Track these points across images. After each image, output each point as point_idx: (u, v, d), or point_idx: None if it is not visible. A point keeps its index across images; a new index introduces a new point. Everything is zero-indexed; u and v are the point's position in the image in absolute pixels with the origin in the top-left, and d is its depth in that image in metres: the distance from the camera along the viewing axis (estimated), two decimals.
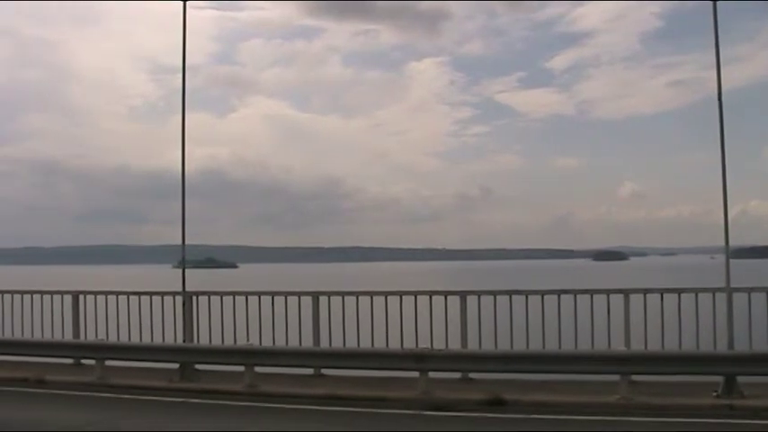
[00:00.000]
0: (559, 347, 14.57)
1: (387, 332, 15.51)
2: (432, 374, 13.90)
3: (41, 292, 18.60)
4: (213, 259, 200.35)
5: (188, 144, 17.36)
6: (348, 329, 15.82)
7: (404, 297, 15.81)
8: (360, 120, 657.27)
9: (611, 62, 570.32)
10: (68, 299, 18.29)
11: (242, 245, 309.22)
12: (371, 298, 15.93)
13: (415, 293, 15.92)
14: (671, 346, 14.26)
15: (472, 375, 14.91)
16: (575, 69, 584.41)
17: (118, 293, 18.11)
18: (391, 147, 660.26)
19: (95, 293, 18.35)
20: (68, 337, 17.76)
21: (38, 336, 17.76)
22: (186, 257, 18.06)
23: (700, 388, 13.19)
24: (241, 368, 14.96)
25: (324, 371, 15.68)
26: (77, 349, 17.22)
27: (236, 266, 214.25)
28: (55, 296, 18.37)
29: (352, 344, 15.54)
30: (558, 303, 15.05)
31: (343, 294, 16.32)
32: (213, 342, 16.43)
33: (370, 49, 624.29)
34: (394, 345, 15.20)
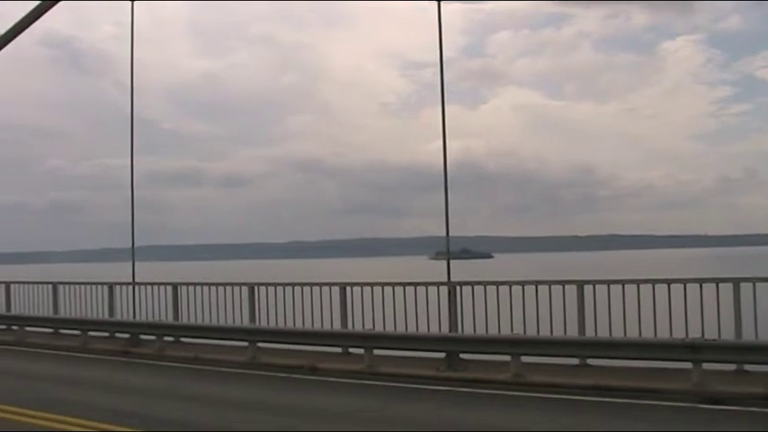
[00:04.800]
0: None
1: (654, 321, 15.01)
2: (704, 366, 13.30)
3: (311, 284, 19.45)
4: (468, 250, 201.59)
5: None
6: (614, 318, 15.43)
7: (672, 285, 15.23)
8: (613, 105, 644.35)
9: None
10: (336, 290, 18.94)
11: (496, 235, 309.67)
12: (638, 286, 15.44)
13: (684, 281, 15.25)
14: None
15: (747, 367, 14.14)
16: None
17: (383, 284, 18.56)
18: (646, 131, 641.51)
19: (361, 285, 18.87)
20: (337, 326, 18.40)
21: (308, 326, 18.53)
22: (444, 249, 18.30)
23: None
24: (505, 357, 14.96)
25: (589, 361, 15.41)
26: (347, 338, 17.83)
27: (491, 257, 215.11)
28: (323, 288, 19.12)
29: (618, 333, 15.16)
30: None
31: (608, 283, 15.89)
32: (477, 332, 16.54)
33: (621, 31, 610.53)
34: (662, 335, 14.71)
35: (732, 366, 14.17)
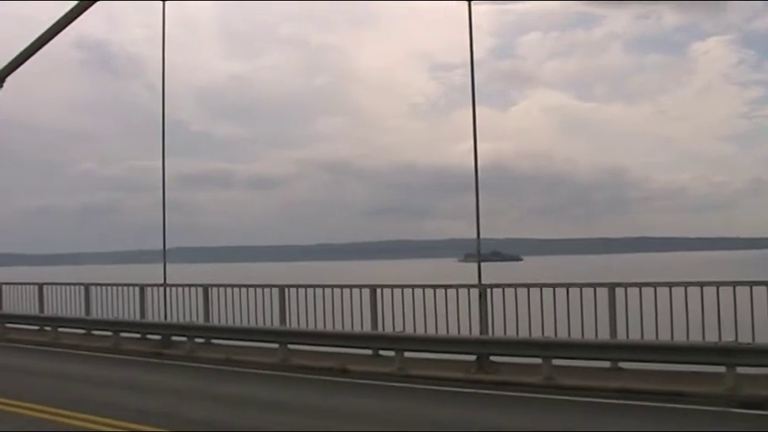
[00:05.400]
0: None
1: (687, 324, 14.86)
2: (738, 370, 13.16)
3: (341, 286, 19.45)
4: (498, 252, 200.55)
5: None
6: (646, 321, 15.30)
7: (705, 288, 15.08)
8: (644, 106, 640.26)
9: None
10: (366, 292, 18.91)
11: (526, 237, 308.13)
12: (670, 289, 15.30)
13: (717, 284, 15.06)
14: None
15: None
16: None
17: (414, 287, 18.54)
18: (678, 132, 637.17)
19: (392, 287, 18.85)
20: (367, 328, 18.39)
21: (339, 327, 18.53)
22: (473, 251, 18.24)
23: None
24: (536, 360, 14.91)
25: (621, 364, 15.28)
26: (378, 340, 17.80)
27: (520, 259, 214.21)
28: (354, 290, 19.10)
29: (650, 336, 15.05)
30: None
31: (640, 285, 15.81)
32: (508, 334, 16.46)
33: (652, 32, 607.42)
34: (694, 338, 14.58)
35: (766, 371, 14.01)
